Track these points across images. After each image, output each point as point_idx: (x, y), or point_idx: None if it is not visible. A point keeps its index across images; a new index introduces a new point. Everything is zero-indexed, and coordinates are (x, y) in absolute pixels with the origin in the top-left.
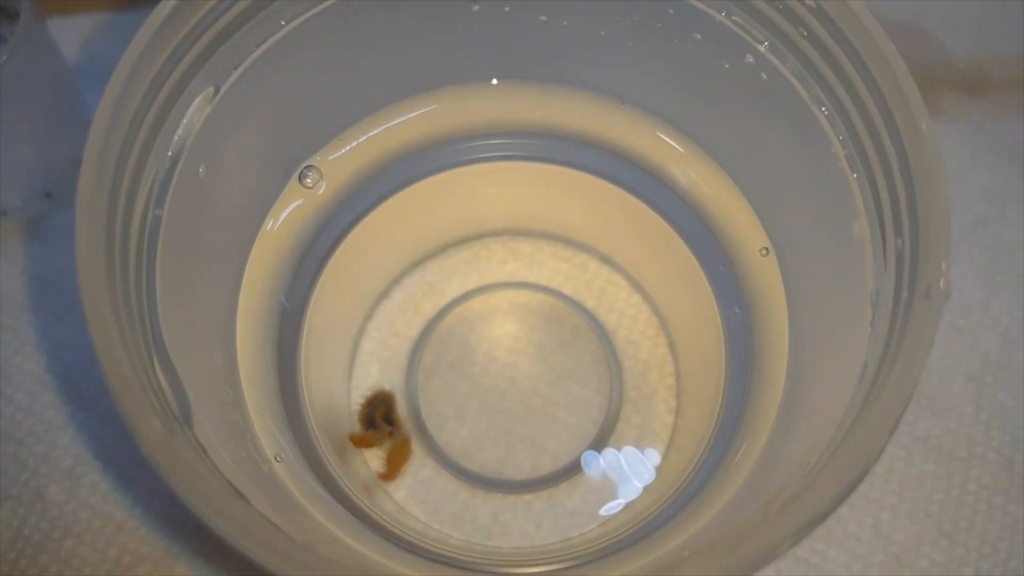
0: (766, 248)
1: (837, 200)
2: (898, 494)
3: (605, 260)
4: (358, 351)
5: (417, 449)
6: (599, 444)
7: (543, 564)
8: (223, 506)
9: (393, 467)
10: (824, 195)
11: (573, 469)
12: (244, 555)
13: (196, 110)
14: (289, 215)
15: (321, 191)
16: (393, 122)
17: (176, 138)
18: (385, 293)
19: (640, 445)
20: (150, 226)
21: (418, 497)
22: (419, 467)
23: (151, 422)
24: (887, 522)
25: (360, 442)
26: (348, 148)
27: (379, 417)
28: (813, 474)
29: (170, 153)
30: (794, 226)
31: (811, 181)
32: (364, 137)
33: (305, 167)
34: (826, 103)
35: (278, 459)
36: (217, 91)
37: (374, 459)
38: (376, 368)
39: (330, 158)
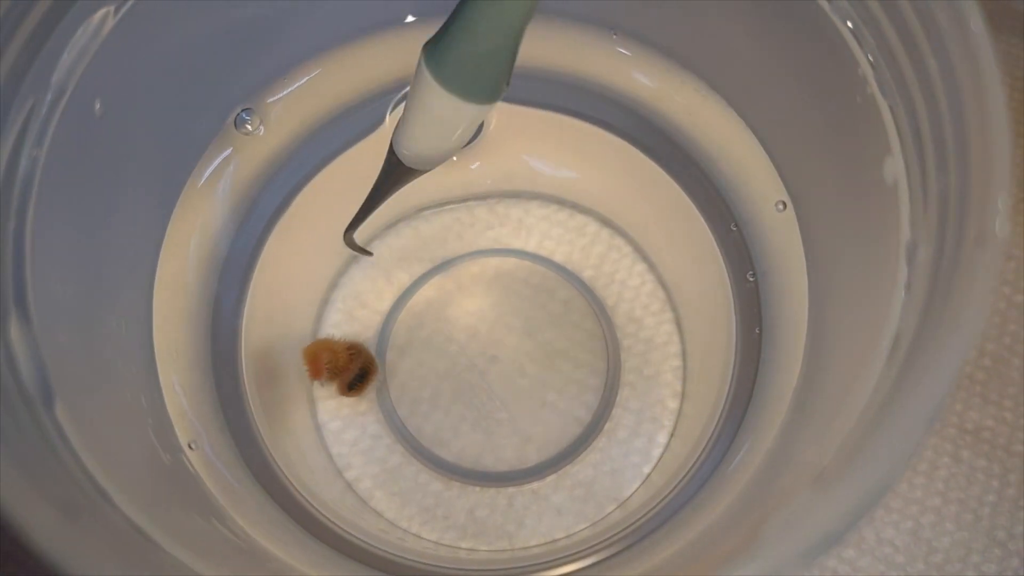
0: (783, 202)
1: (866, 135)
2: (943, 495)
3: (606, 223)
4: (321, 324)
5: (385, 434)
6: (592, 431)
7: (521, 571)
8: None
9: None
10: (850, 130)
11: (562, 460)
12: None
13: (88, 33)
14: (226, 165)
15: (262, 136)
16: (352, 59)
17: (61, 65)
18: (352, 259)
19: (639, 433)
20: (23, 167)
21: (384, 489)
22: (387, 454)
23: None
24: (929, 527)
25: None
26: (296, 89)
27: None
28: (825, 477)
29: (53, 82)
30: (815, 172)
31: (835, 114)
32: (316, 76)
33: (243, 110)
34: (852, 15)
35: (192, 447)
36: (116, 11)
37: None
38: None
39: (273, 100)
